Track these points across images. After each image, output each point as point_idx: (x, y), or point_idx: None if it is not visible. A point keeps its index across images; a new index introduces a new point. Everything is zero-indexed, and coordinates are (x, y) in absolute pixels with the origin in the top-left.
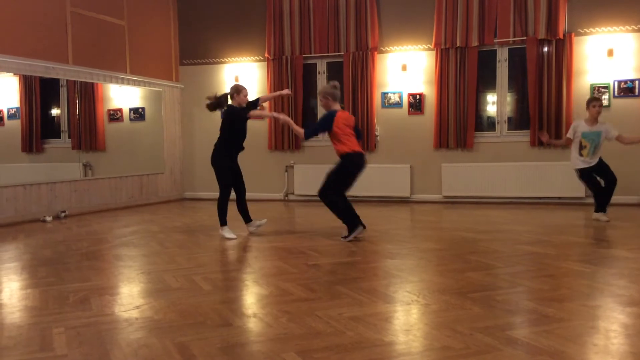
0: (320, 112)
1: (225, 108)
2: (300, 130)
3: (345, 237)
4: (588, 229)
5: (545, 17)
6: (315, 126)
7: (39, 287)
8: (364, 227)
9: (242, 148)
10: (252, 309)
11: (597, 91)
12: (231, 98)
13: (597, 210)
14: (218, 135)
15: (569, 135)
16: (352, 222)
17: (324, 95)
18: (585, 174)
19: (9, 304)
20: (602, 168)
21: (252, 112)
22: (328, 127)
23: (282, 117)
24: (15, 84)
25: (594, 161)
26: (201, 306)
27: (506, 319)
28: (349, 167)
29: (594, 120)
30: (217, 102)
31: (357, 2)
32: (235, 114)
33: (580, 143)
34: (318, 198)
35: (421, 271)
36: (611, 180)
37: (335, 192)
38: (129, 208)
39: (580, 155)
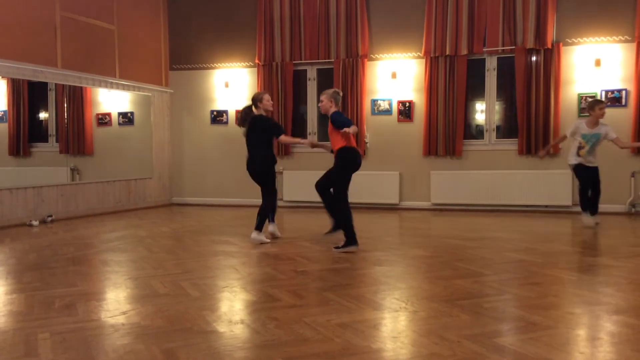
0: (311, 117)
1: (257, 118)
2: (350, 129)
3: (338, 247)
4: (575, 237)
5: (534, 27)
6: (347, 120)
7: (25, 292)
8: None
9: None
10: (240, 315)
11: (584, 101)
12: (256, 107)
13: (584, 210)
14: (258, 144)
15: (568, 134)
16: (353, 235)
17: (328, 97)
18: (578, 170)
19: None
20: (595, 179)
21: (282, 139)
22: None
23: (309, 143)
24: (3, 87)
25: (591, 162)
26: (188, 312)
27: (493, 326)
28: (350, 167)
29: (595, 122)
30: (243, 117)
31: (347, 9)
32: (276, 128)
33: (580, 143)
34: (309, 203)
35: (409, 278)
36: (597, 192)
37: (342, 196)
38: (117, 213)
39: (578, 155)
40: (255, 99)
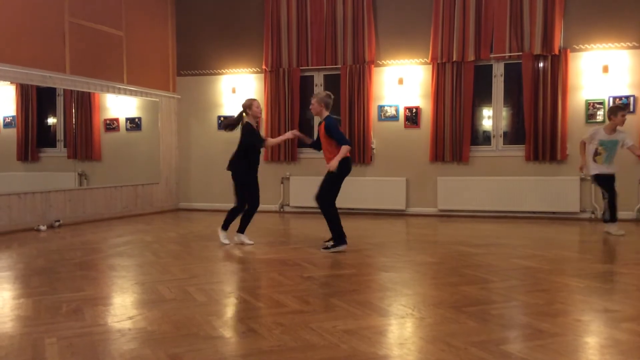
0: (316, 122)
1: (243, 125)
2: (344, 149)
3: (327, 248)
4: (583, 244)
5: (541, 33)
6: (343, 136)
7: (32, 297)
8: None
9: (258, 162)
10: (246, 321)
11: (592, 107)
12: (246, 114)
13: (607, 221)
14: (236, 149)
15: (586, 140)
16: (342, 235)
17: (318, 101)
18: (600, 180)
19: (1, 313)
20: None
21: (269, 142)
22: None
23: (291, 134)
24: (12, 93)
25: (610, 169)
26: (195, 317)
27: (500, 333)
28: (345, 172)
29: (613, 128)
30: (233, 122)
31: (354, 15)
32: (253, 138)
33: (596, 150)
34: (317, 208)
35: (416, 284)
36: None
37: (332, 201)
38: (124, 218)
39: (594, 161)
40: (245, 106)
